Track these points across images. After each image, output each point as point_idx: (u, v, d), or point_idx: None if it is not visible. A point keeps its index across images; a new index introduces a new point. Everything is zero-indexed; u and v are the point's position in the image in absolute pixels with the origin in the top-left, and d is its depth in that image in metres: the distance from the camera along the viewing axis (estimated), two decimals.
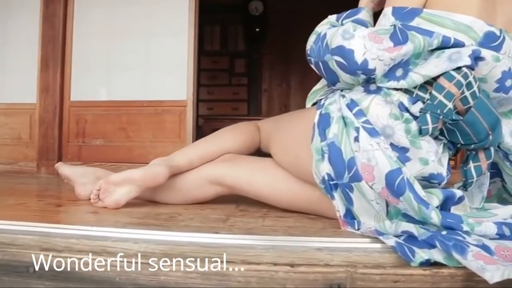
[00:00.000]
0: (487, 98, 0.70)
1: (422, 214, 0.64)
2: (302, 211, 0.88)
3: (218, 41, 4.21)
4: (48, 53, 1.65)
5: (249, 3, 4.01)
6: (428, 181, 0.73)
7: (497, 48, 0.70)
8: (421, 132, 0.67)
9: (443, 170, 0.72)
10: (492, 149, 0.74)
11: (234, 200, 1.10)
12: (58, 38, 1.65)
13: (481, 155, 0.73)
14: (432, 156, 0.69)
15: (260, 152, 1.01)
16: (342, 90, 0.80)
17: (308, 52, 0.80)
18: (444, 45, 0.68)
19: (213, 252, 0.58)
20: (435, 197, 0.69)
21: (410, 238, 0.61)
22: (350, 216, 0.76)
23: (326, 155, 0.74)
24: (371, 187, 0.69)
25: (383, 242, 0.61)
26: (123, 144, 1.68)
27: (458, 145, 0.74)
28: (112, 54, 1.67)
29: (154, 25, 1.66)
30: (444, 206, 0.71)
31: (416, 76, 0.68)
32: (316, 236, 0.68)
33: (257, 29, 4.06)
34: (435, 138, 0.71)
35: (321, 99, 0.85)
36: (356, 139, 0.70)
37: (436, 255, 0.55)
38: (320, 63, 0.78)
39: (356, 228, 0.73)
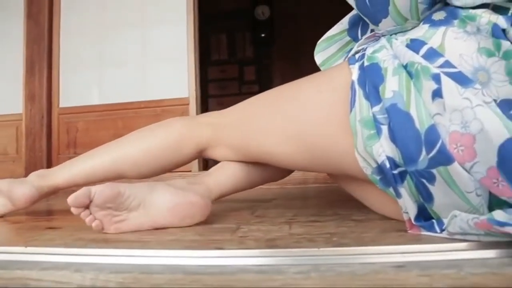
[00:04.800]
0: None
1: None
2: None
3: (225, 50, 4.06)
4: (34, 54, 1.48)
5: (255, 8, 3.85)
6: None
7: None
8: None
9: None
10: None
11: (249, 206, 0.85)
12: (43, 37, 1.48)
13: None
14: None
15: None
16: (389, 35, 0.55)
17: None
18: None
19: (208, 282, 0.32)
20: None
21: None
22: (424, 215, 0.49)
23: (383, 128, 0.46)
24: (468, 171, 0.42)
25: (501, 245, 0.34)
26: None
27: None
28: (104, 50, 1.48)
29: (150, 15, 1.47)
30: None
31: None
32: (377, 244, 0.41)
33: (264, 34, 3.89)
34: None
35: (355, 54, 0.58)
36: (437, 93, 0.42)
37: None
38: None
39: (438, 230, 0.45)
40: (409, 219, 0.49)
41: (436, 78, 0.43)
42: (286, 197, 1.07)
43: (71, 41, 1.49)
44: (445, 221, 0.45)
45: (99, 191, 0.49)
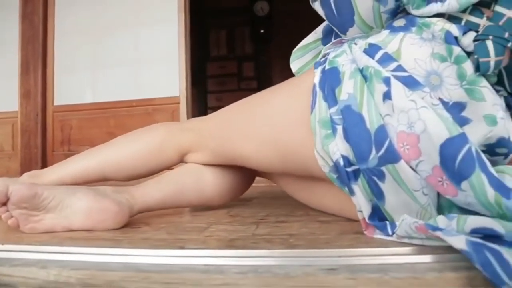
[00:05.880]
0: None
1: (500, 209, 0.39)
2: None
3: (224, 46, 4.08)
4: (28, 54, 1.52)
5: (254, 4, 3.86)
6: (491, 152, 0.48)
7: None
8: (478, 69, 0.43)
9: None
10: None
11: (228, 205, 0.88)
12: (38, 38, 1.51)
13: None
14: (500, 112, 0.45)
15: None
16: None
17: None
18: None
19: (156, 280, 0.35)
20: (509, 177, 0.43)
21: (490, 239, 0.36)
22: (378, 215, 0.52)
23: (339, 128, 0.49)
24: (414, 170, 0.44)
25: (434, 252, 0.37)
26: None
27: None
28: (98, 50, 1.51)
29: (142, 15, 1.49)
30: None
31: None
32: (330, 247, 0.44)
33: (263, 31, 3.89)
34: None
35: (322, 58, 0.61)
36: (387, 95, 0.45)
37: None
38: None
39: (390, 232, 0.48)
40: (364, 219, 0.51)
41: (387, 81, 0.46)
42: (268, 196, 1.10)
43: (65, 41, 1.52)
44: (397, 223, 0.48)
45: (15, 190, 0.51)
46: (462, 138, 0.41)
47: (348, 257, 0.37)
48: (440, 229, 0.38)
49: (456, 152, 0.40)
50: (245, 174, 0.75)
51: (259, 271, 0.35)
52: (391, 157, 0.45)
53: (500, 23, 0.43)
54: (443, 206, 0.48)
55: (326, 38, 0.70)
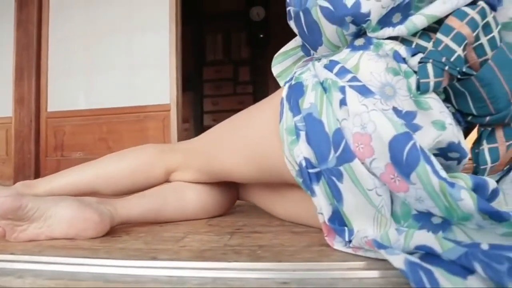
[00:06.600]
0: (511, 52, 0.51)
1: (446, 199, 0.42)
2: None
3: (220, 50, 4.12)
4: (23, 61, 1.55)
5: (250, 9, 3.90)
6: (445, 157, 0.52)
7: None
8: (419, 88, 0.49)
9: (462, 139, 0.51)
10: None
11: None
12: (32, 45, 1.54)
13: (499, 133, 0.54)
14: (448, 118, 0.49)
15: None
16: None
17: (288, 0, 0.63)
18: None
19: None
20: (462, 182, 0.45)
21: (429, 257, 0.39)
22: (338, 219, 0.54)
23: (302, 133, 0.54)
24: (368, 169, 0.48)
25: (383, 267, 0.40)
26: None
27: (469, 118, 0.55)
28: (91, 57, 1.54)
29: (134, 23, 1.53)
30: None
31: (419, 18, 0.51)
32: (292, 260, 0.47)
33: (260, 35, 3.94)
34: None
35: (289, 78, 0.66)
36: (343, 102, 0.50)
37: (476, 286, 0.33)
38: (301, 14, 0.60)
39: (347, 239, 0.51)
40: (324, 222, 0.54)
41: (342, 90, 0.51)
42: (253, 203, 1.12)
43: (59, 48, 1.56)
44: (355, 230, 0.51)
45: (1, 203, 0.53)
46: (408, 135, 0.45)
47: (301, 271, 0.40)
48: (385, 247, 0.42)
49: (403, 147, 0.44)
50: (227, 193, 0.79)
51: (216, 283, 0.38)
52: (347, 156, 0.49)
53: (439, 48, 0.48)
54: (399, 215, 0.51)
55: (305, 45, 0.74)
